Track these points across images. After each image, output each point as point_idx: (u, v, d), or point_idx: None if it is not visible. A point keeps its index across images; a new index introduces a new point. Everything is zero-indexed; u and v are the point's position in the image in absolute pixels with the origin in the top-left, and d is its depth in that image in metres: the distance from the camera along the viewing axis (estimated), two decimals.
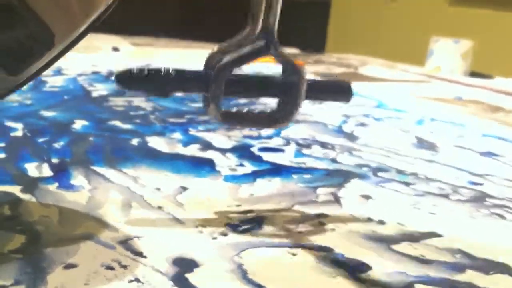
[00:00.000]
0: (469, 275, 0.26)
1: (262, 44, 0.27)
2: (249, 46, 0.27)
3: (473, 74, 1.16)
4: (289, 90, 0.28)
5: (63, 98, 0.57)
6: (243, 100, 0.55)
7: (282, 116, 0.29)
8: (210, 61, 0.28)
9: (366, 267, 0.26)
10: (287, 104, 0.28)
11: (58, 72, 0.71)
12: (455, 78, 1.08)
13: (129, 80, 0.27)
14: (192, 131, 0.48)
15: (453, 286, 0.25)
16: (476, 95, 0.90)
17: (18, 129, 0.45)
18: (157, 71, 0.27)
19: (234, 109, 0.29)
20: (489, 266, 0.27)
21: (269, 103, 0.31)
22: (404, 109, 0.64)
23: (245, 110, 0.29)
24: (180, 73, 0.27)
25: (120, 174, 0.36)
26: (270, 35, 0.27)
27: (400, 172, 0.41)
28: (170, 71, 0.27)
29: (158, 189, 0.34)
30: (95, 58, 0.88)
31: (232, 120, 0.29)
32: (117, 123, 0.49)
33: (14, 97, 0.55)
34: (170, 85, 0.28)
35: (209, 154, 0.42)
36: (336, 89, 0.31)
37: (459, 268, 0.27)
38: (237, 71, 0.27)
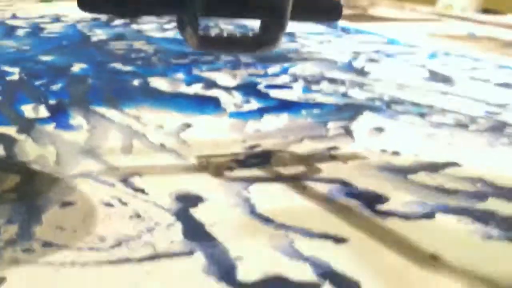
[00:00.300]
0: (491, 203, 0.25)
1: None
2: None
3: (485, 11, 1.12)
4: (273, 11, 0.26)
5: (61, 43, 0.55)
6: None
7: (267, 39, 0.26)
8: None
9: (382, 198, 0.25)
10: (272, 26, 0.26)
11: (57, 20, 0.69)
12: (467, 16, 1.05)
13: (92, 2, 0.24)
14: (196, 71, 0.46)
15: (475, 215, 0.23)
16: (489, 31, 0.87)
17: (14, 73, 0.43)
18: None
19: (214, 33, 0.26)
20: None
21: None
22: (415, 45, 0.61)
23: (226, 33, 0.26)
24: None
25: (120, 113, 0.35)
26: None
27: (414, 104, 0.39)
28: None
29: (161, 127, 0.32)
30: None
31: (212, 45, 0.26)
32: (118, 65, 0.47)
33: (10, 43, 0.54)
34: (137, 5, 0.25)
35: (213, 92, 0.40)
36: (323, 7, 0.28)
37: (481, 196, 0.25)
38: None
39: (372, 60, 0.54)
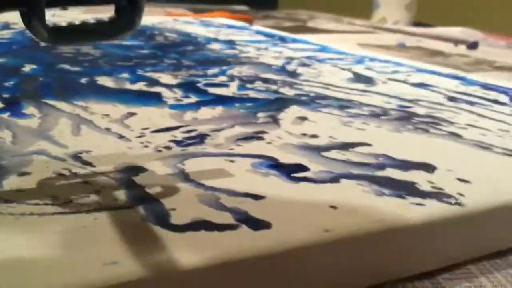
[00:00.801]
0: (388, 172, 0.29)
1: None
2: None
3: (417, 24, 1.19)
4: None
5: (12, 48, 0.58)
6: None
7: (124, 24, 0.24)
8: None
9: (298, 168, 0.29)
10: (128, 9, 0.23)
11: (6, 27, 0.71)
12: (399, 28, 1.12)
13: None
14: (140, 72, 0.50)
15: (373, 179, 0.28)
16: (419, 41, 0.94)
17: None
18: None
19: (64, 23, 0.23)
20: (409, 165, 0.30)
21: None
22: (346, 52, 0.67)
23: (79, 21, 0.23)
24: None
25: (70, 105, 0.38)
26: None
27: (336, 99, 0.44)
28: None
29: (107, 115, 0.36)
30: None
31: (65, 36, 0.23)
32: (66, 66, 0.51)
33: None
34: None
35: (156, 89, 0.44)
36: None
37: (381, 167, 0.30)
38: None
39: (304, 65, 0.58)
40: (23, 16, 0.22)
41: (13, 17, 0.74)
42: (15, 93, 0.40)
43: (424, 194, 0.26)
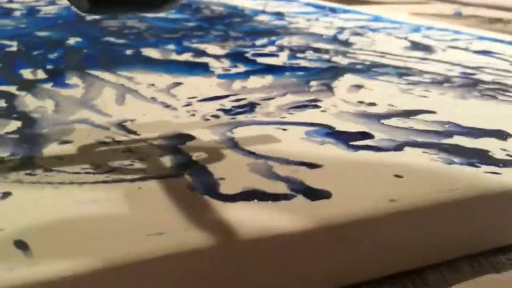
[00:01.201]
0: (456, 140, 0.27)
1: None
2: None
3: None
4: None
5: (57, 22, 0.57)
6: None
7: None
8: None
9: (356, 137, 0.27)
10: None
11: (52, 3, 0.70)
12: None
13: None
14: (186, 43, 0.48)
15: (441, 147, 0.25)
16: (476, 10, 0.89)
17: (12, 45, 0.45)
18: None
19: None
20: (478, 132, 0.28)
21: None
22: (400, 21, 0.63)
23: None
24: None
25: (114, 75, 0.37)
26: None
27: (393, 67, 0.41)
28: None
29: (152, 84, 0.35)
30: None
31: (106, 5, 0.22)
32: (111, 39, 0.49)
33: (7, 22, 0.55)
34: None
35: (203, 59, 0.42)
36: None
37: (448, 134, 0.27)
38: None
39: (356, 34, 0.56)
40: None
41: None
42: (59, 64, 0.39)
43: (499, 162, 0.24)
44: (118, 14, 0.21)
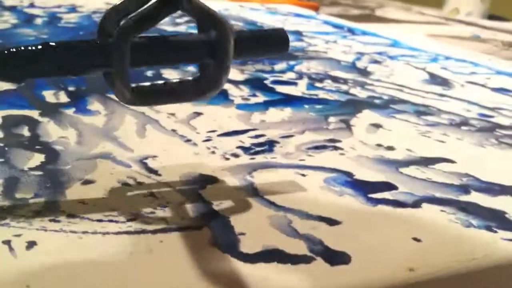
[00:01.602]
0: (474, 196, 0.27)
1: None
2: (154, 2, 0.21)
3: (491, 17, 1.14)
4: (214, 50, 0.22)
5: (78, 33, 0.58)
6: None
7: (209, 83, 0.23)
8: (105, 27, 0.22)
9: (375, 188, 0.27)
10: (213, 67, 0.23)
11: (73, 9, 0.71)
12: (473, 20, 1.07)
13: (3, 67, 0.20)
14: None
15: (459, 206, 0.26)
16: (494, 35, 0.89)
17: None
18: (26, 48, 0.20)
19: (147, 84, 0.23)
20: (497, 189, 0.28)
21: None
22: (418, 47, 0.63)
23: (162, 82, 0.23)
24: (65, 48, 0.20)
25: None
26: None
27: (412, 104, 0.41)
28: (52, 47, 0.20)
29: (173, 114, 0.35)
30: None
31: (148, 97, 0.23)
32: None
33: (29, 31, 0.56)
34: (55, 64, 0.20)
35: None
36: (270, 40, 0.26)
37: (465, 189, 0.27)
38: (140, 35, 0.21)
39: (375, 61, 0.56)
40: (106, 76, 0.22)
41: (79, 1, 0.74)
42: (80, 85, 0.40)
43: None
44: (160, 104, 0.23)
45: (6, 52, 0.20)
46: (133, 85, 0.22)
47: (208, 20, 0.22)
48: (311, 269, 0.20)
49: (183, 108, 0.36)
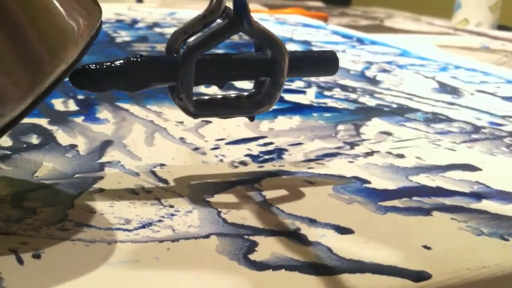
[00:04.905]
0: (485, 204, 0.26)
1: (233, 18, 0.24)
2: (219, 24, 0.24)
3: (501, 27, 1.13)
4: (269, 68, 0.25)
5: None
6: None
7: (264, 98, 0.26)
8: (173, 45, 0.24)
9: (384, 195, 0.27)
10: (268, 84, 0.25)
11: None
12: (483, 31, 1.07)
13: (88, 79, 0.23)
14: None
15: (469, 213, 0.25)
16: (503, 45, 0.89)
17: None
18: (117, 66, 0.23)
19: (207, 97, 0.25)
20: (508, 197, 0.27)
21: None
22: (428, 57, 0.63)
23: (220, 96, 0.26)
24: (145, 64, 0.23)
25: (144, 109, 0.37)
26: (241, 6, 0.23)
27: (421, 112, 0.41)
28: (137, 59, 0.23)
29: (181, 122, 0.35)
30: (119, 8, 0.88)
31: (208, 109, 0.25)
32: None
33: None
34: (137, 78, 0.24)
35: (231, 93, 0.42)
36: (320, 62, 0.28)
37: (476, 197, 0.27)
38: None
39: (384, 70, 0.56)
40: (172, 90, 0.24)
41: None
42: (90, 94, 0.40)
43: None
44: (219, 116, 0.27)
45: (93, 66, 0.23)
46: (194, 98, 0.24)
47: (266, 41, 0.25)
48: (320, 279, 0.20)
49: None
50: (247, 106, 0.26)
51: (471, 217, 0.25)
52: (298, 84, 0.47)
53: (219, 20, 0.24)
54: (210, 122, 0.36)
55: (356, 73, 0.53)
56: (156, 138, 0.32)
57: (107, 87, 0.24)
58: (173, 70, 0.23)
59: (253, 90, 0.26)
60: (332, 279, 0.19)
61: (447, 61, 0.62)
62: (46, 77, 0.19)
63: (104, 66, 0.23)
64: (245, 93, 0.26)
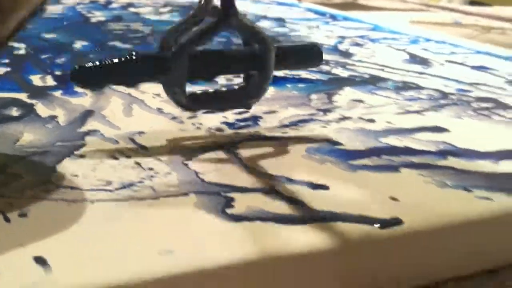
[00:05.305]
0: (450, 161, 0.28)
1: (221, 15, 0.25)
2: (209, 22, 0.25)
3: (473, 3, 1.15)
4: (257, 63, 0.27)
5: (63, 23, 0.58)
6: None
7: (254, 91, 0.27)
8: (166, 42, 0.26)
9: (354, 155, 0.28)
10: (257, 77, 0.27)
11: (56, 1, 0.71)
12: (456, 7, 1.08)
13: (87, 77, 0.25)
14: None
15: (435, 169, 0.27)
16: (475, 20, 0.90)
17: (20, 48, 0.46)
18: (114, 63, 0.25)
19: (200, 91, 0.27)
20: (473, 155, 0.29)
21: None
22: (399, 31, 0.64)
23: (212, 90, 0.28)
24: (140, 60, 0.25)
25: None
26: (229, 4, 0.25)
27: (392, 81, 0.42)
28: (133, 57, 0.25)
29: (158, 94, 0.36)
30: None
31: (201, 103, 0.27)
32: (117, 43, 0.50)
33: None
34: (133, 75, 0.26)
35: None
36: (305, 54, 0.30)
37: (442, 155, 0.28)
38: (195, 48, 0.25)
39: (356, 44, 0.57)
40: (165, 85, 0.26)
41: None
42: (67, 70, 0.40)
43: (491, 187, 0.25)
44: (211, 109, 0.31)
45: (92, 65, 0.25)
46: (188, 92, 0.26)
47: (254, 36, 0.26)
48: (292, 228, 0.21)
49: None
50: (237, 99, 0.28)
51: (438, 173, 0.26)
52: None
53: (210, 18, 0.26)
54: None
55: (329, 47, 0.54)
56: (134, 109, 0.33)
57: (105, 84, 0.26)
58: (166, 66, 0.25)
59: (243, 84, 0.28)
60: (305, 228, 0.21)
61: (418, 35, 0.63)
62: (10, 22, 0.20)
63: (102, 65, 0.25)
64: (236, 87, 0.28)
